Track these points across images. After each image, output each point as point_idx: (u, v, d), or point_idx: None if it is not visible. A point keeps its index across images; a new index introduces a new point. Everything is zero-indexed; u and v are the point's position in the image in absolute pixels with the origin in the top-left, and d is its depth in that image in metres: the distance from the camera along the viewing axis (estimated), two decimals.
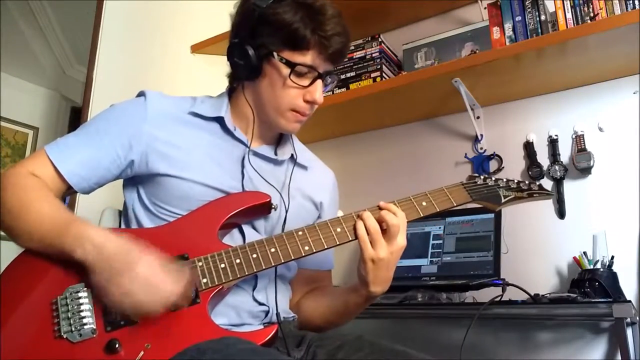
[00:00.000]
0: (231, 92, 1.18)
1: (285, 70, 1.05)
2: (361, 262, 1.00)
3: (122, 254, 0.89)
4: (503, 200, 1.12)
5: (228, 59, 1.11)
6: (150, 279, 0.88)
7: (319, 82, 1.08)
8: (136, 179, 1.10)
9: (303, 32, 1.02)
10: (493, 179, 1.15)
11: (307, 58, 1.05)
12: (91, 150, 1.05)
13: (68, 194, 1.08)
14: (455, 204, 1.09)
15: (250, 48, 1.06)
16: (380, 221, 1.00)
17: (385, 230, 0.99)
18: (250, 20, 1.07)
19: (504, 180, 1.15)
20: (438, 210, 1.07)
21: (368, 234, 0.99)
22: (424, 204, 1.07)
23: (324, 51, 1.05)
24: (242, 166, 1.11)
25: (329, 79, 1.13)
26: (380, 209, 1.02)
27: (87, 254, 0.90)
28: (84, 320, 0.90)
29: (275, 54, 1.05)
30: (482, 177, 1.15)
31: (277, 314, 1.05)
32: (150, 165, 1.06)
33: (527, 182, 1.17)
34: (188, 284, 0.92)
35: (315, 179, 1.26)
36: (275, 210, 1.09)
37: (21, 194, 0.98)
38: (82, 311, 0.90)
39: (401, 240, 1.00)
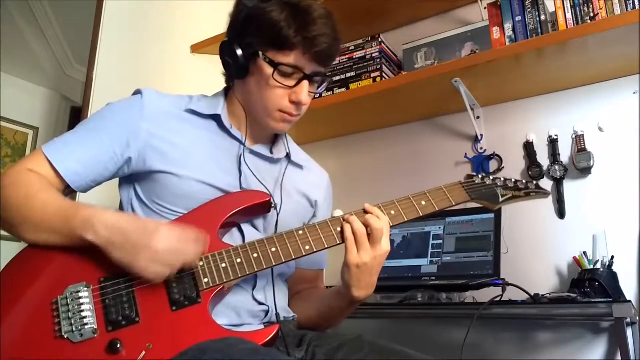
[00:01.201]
0: (227, 91, 1.19)
1: (269, 70, 1.05)
2: (345, 266, 1.01)
3: (139, 225, 0.92)
4: (501, 200, 1.13)
5: (220, 58, 1.12)
6: (176, 235, 0.92)
7: (305, 82, 1.07)
8: (133, 177, 1.10)
9: (287, 32, 1.02)
10: (491, 178, 1.15)
11: (290, 58, 1.04)
12: (88, 148, 1.06)
13: (67, 194, 1.08)
14: (454, 203, 1.10)
15: (238, 47, 1.07)
16: (365, 225, 1.00)
17: (369, 235, 0.99)
18: (239, 19, 1.08)
19: (502, 179, 1.16)
20: (437, 209, 1.08)
21: (355, 238, 0.99)
22: (423, 203, 1.07)
23: (308, 52, 1.04)
24: (239, 164, 1.12)
25: (318, 80, 1.12)
26: (366, 212, 1.02)
27: (100, 235, 0.91)
28: (85, 320, 0.90)
29: (260, 53, 1.05)
30: (480, 176, 1.15)
31: (277, 314, 1.05)
32: (147, 162, 1.06)
33: (524, 181, 1.18)
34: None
35: (311, 178, 1.27)
36: (276, 209, 1.10)
37: (24, 188, 0.98)
38: (83, 311, 0.90)
39: (385, 245, 1.00)
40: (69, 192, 1.07)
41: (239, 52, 1.07)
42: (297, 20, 1.02)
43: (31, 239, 0.97)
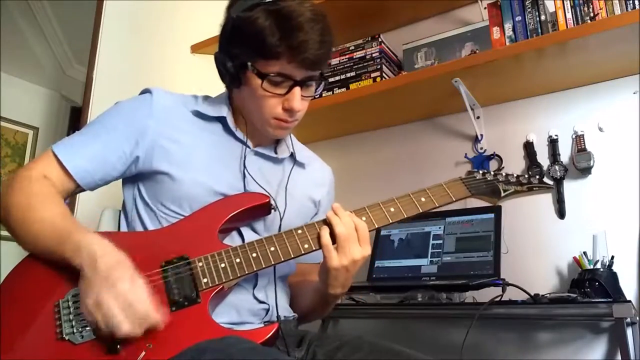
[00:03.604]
0: (230, 94, 1.19)
1: (258, 81, 1.03)
2: (322, 267, 1.03)
3: (106, 273, 0.88)
4: (503, 194, 1.13)
5: (216, 68, 1.11)
6: (129, 296, 0.86)
7: (296, 89, 1.05)
8: (137, 177, 1.11)
9: (270, 40, 0.99)
10: (492, 173, 1.16)
11: (276, 67, 1.02)
12: (97, 146, 1.06)
13: (77, 192, 1.09)
14: (454, 199, 1.10)
15: (227, 59, 1.06)
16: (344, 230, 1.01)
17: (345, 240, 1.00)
18: (227, 30, 1.07)
19: (503, 174, 1.16)
20: (437, 205, 1.08)
21: (333, 242, 1.00)
22: (422, 199, 1.07)
23: (294, 59, 1.00)
24: (244, 166, 1.12)
25: (313, 83, 1.09)
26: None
27: (83, 263, 0.90)
28: (86, 322, 0.90)
29: (248, 64, 1.03)
30: (481, 172, 1.15)
31: (277, 315, 1.05)
32: (154, 162, 1.07)
33: (526, 175, 1.18)
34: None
35: (314, 177, 1.27)
36: (276, 211, 1.10)
37: (26, 199, 0.99)
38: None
39: (366, 250, 1.01)
40: (79, 190, 1.08)
41: (229, 64, 1.06)
42: (280, 28, 0.99)
43: (30, 252, 0.99)
